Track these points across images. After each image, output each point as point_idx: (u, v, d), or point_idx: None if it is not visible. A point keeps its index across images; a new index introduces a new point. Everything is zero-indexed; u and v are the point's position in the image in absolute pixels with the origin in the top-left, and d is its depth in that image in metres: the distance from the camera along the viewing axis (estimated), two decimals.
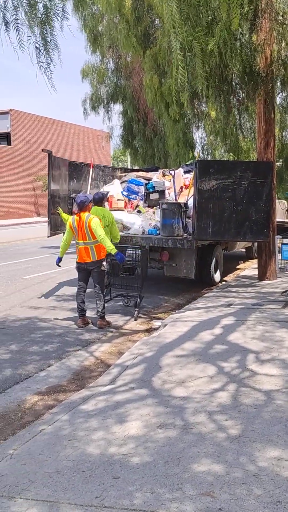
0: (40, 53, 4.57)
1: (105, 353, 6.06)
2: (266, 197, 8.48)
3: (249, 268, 11.89)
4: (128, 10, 10.44)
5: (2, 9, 4.36)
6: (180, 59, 5.25)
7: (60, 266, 7.69)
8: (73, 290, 9.39)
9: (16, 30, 4.45)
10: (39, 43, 4.53)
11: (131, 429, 3.85)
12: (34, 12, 4.34)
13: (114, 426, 3.94)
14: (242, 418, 3.89)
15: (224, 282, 10.19)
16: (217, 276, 10.11)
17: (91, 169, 10.39)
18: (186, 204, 9.01)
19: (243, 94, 8.73)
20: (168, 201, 9.65)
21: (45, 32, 4.48)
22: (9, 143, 39.33)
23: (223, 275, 10.71)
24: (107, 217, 7.97)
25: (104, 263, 7.24)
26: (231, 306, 7.47)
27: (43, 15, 4.40)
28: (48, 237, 9.60)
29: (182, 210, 8.88)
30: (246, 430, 3.68)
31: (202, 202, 8.42)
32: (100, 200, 8.14)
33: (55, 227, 9.38)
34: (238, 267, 12.42)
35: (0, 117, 39.04)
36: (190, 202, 8.99)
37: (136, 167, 16.09)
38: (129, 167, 18.94)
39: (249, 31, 7.69)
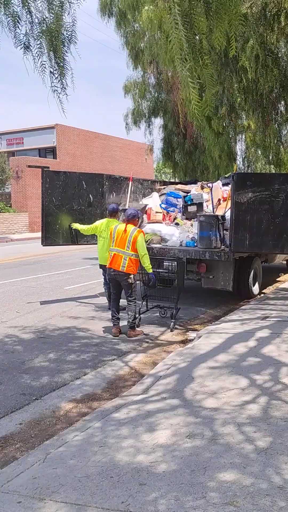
0: (54, 78, 4.78)
1: (139, 363, 6.16)
2: None
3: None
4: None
5: (24, 35, 4.60)
6: (192, 86, 5.36)
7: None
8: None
9: (31, 55, 4.70)
10: (53, 67, 4.74)
11: (160, 438, 3.92)
12: (47, 38, 4.56)
13: (144, 434, 4.02)
14: (271, 430, 3.90)
15: (262, 295, 10.12)
16: (255, 289, 10.05)
17: (130, 183, 10.59)
18: (223, 217, 9.05)
19: (282, 107, 8.73)
20: (206, 213, 9.70)
21: (57, 58, 4.69)
22: (55, 157, 40.37)
23: (262, 287, 10.63)
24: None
25: (132, 276, 7.35)
26: (267, 319, 7.43)
27: (55, 42, 4.60)
28: (43, 245, 10.04)
29: (220, 222, 8.93)
30: (274, 443, 3.69)
31: (239, 215, 8.43)
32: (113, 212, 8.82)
33: (51, 239, 9.81)
34: (278, 279, 12.29)
35: (46, 131, 40.14)
36: (228, 215, 9.02)
37: (176, 180, 16.24)
38: (171, 179, 19.14)
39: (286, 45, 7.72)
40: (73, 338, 7.19)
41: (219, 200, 9.99)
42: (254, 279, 10.04)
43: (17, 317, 8.49)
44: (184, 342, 7.10)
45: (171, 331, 7.60)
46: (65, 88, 4.85)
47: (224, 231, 9.02)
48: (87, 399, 5.08)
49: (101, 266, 8.92)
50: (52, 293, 10.70)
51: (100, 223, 8.90)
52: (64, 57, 4.73)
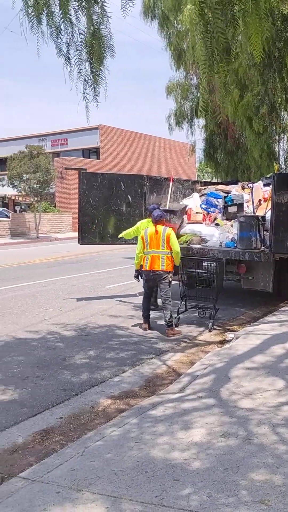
0: (88, 86, 4.93)
1: (177, 362, 6.25)
2: None
3: None
4: (221, 28, 10.60)
5: (66, 45, 4.77)
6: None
7: (139, 280, 8.13)
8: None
9: (69, 64, 4.86)
10: (88, 76, 4.89)
11: (195, 436, 4.00)
12: (86, 49, 4.71)
13: (179, 432, 4.11)
14: None
15: None
16: None
17: (171, 183, 10.67)
18: (263, 217, 9.00)
19: None
20: (246, 214, 9.67)
21: (93, 68, 4.84)
22: (98, 157, 40.91)
23: None
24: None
25: (170, 275, 7.61)
26: None
27: (91, 53, 4.74)
28: (80, 244, 10.24)
29: (260, 223, 8.88)
30: None
31: (280, 215, 8.36)
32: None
33: (88, 238, 10.03)
34: None
35: (90, 132, 40.73)
36: (268, 215, 8.97)
37: (218, 180, 16.19)
38: (214, 179, 19.12)
39: None
40: (112, 336, 7.35)
41: (259, 200, 9.94)
42: None
43: (59, 315, 8.73)
44: (222, 342, 7.14)
45: (209, 331, 7.65)
46: (97, 96, 5.02)
47: (265, 232, 8.97)
48: (125, 396, 5.21)
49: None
50: (93, 292, 10.92)
51: (141, 223, 9.03)
52: (100, 67, 4.89)
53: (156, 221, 7.79)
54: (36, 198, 31.39)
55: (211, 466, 3.49)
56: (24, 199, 35.71)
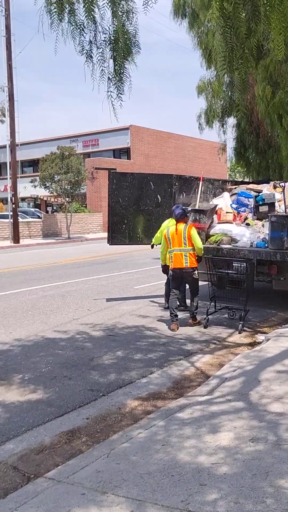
0: (112, 84, 4.88)
1: (206, 364, 6.16)
2: None
3: None
4: (241, 23, 10.44)
5: (88, 43, 4.74)
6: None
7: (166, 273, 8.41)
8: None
9: (92, 62, 4.82)
10: (111, 74, 4.83)
11: (223, 440, 3.92)
12: (110, 46, 4.66)
13: (206, 435, 4.03)
14: None
15: None
16: None
17: (200, 183, 10.57)
18: None
19: None
20: (278, 213, 9.49)
21: (117, 66, 4.78)
22: (129, 158, 41.03)
23: None
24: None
25: (196, 272, 7.84)
26: None
27: (116, 50, 4.68)
28: (109, 244, 10.24)
29: None
30: None
31: None
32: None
33: (117, 238, 9.98)
34: None
35: (121, 132, 40.90)
36: None
37: (249, 179, 15.98)
38: (245, 179, 18.90)
39: None
40: (141, 337, 7.31)
41: None
42: None
43: (88, 315, 8.75)
44: (252, 344, 7.01)
45: (239, 333, 7.53)
46: (121, 94, 4.97)
47: None
48: (152, 397, 5.16)
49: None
50: (122, 292, 10.92)
51: (163, 225, 9.01)
52: (125, 65, 4.84)
53: (177, 220, 7.99)
54: (67, 199, 31.68)
55: (239, 472, 3.41)
56: (56, 200, 36.10)
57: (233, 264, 8.20)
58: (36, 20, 4.57)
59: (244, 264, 7.98)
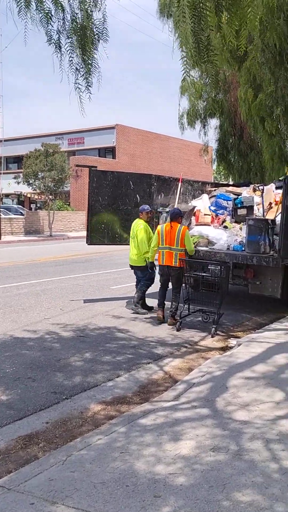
0: (80, 75, 4.70)
1: (175, 368, 6.04)
2: None
3: None
4: (223, 24, 10.34)
5: (56, 32, 4.57)
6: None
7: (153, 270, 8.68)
8: (156, 302, 9.52)
9: (60, 52, 4.66)
10: (80, 64, 4.67)
11: (183, 449, 3.79)
12: (77, 35, 4.49)
13: (167, 443, 3.90)
14: None
15: None
16: None
17: (179, 184, 10.45)
18: (273, 221, 8.73)
19: None
20: (255, 217, 9.41)
21: (85, 55, 4.62)
22: (114, 157, 40.85)
23: None
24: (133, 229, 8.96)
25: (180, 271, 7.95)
26: None
27: (83, 39, 4.53)
28: (88, 244, 10.06)
29: (269, 226, 8.61)
30: None
31: None
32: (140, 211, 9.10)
33: (96, 238, 9.82)
34: None
35: (107, 131, 40.74)
36: (278, 219, 8.69)
37: (230, 182, 15.92)
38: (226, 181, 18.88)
39: None
40: (111, 339, 7.16)
41: (270, 203, 9.66)
42: None
43: (60, 315, 8.57)
44: (224, 349, 6.90)
45: (212, 337, 7.42)
46: (89, 87, 4.80)
47: (274, 236, 8.70)
48: (116, 402, 5.02)
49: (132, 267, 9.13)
50: (98, 292, 10.76)
51: (133, 225, 9.09)
52: (93, 55, 4.68)
53: (172, 219, 8.18)
54: (50, 197, 31.38)
55: (196, 483, 3.28)
56: (39, 197, 35.75)
57: (209, 267, 8.09)
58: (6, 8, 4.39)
59: (219, 267, 7.88)
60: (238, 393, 4.90)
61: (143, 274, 8.86)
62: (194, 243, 9.54)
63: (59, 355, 6.34)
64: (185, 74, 5.18)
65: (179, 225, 8.17)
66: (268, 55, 7.34)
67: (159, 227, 8.39)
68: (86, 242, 10.08)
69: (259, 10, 5.68)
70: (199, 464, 3.53)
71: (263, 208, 9.43)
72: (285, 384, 5.04)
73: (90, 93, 4.80)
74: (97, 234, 9.89)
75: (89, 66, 4.66)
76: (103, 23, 4.70)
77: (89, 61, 4.65)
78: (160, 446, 3.86)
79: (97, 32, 4.64)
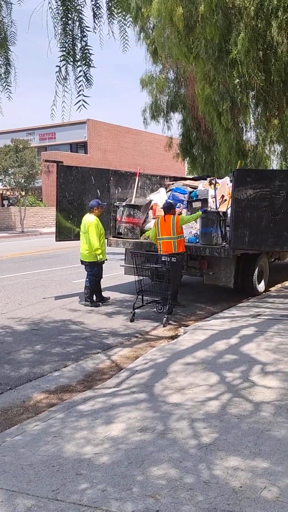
0: None
1: (122, 357, 6.23)
2: None
3: None
4: (179, 20, 10.54)
5: None
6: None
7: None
8: (115, 295, 9.72)
9: None
10: None
11: (113, 431, 3.99)
12: None
13: (99, 427, 4.10)
14: (220, 427, 3.91)
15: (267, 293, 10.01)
16: (261, 286, 9.95)
17: (137, 178, 10.63)
18: (225, 213, 9.00)
19: (285, 103, 8.56)
20: (209, 209, 9.65)
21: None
22: (86, 152, 40.77)
23: (271, 285, 10.53)
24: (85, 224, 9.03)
25: (174, 258, 8.01)
26: (258, 317, 7.38)
27: None
28: (56, 241, 9.99)
29: (221, 218, 8.89)
30: (218, 439, 3.70)
31: (239, 211, 8.34)
32: (91, 207, 9.20)
33: (63, 234, 9.80)
34: None
35: (78, 126, 40.52)
36: (229, 211, 8.96)
37: (195, 175, 16.12)
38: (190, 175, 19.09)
39: (287, 40, 7.56)
40: (64, 331, 7.33)
41: (222, 196, 9.92)
42: (260, 277, 9.94)
43: (18, 309, 8.70)
44: (174, 337, 7.11)
45: (164, 326, 7.64)
46: (9, 86, 4.92)
47: (227, 228, 8.97)
48: (60, 390, 5.19)
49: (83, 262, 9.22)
50: (59, 287, 10.89)
51: (83, 220, 9.18)
52: (8, 57, 4.82)
53: (165, 213, 8.69)
54: (22, 193, 31.26)
55: (117, 460, 3.49)
56: (12, 193, 35.53)
57: (162, 258, 8.30)
58: None
59: (173, 258, 8.07)
60: (176, 378, 5.12)
61: (92, 269, 8.98)
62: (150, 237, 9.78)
63: (10, 348, 6.48)
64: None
65: (172, 216, 8.57)
66: (210, 51, 7.55)
67: (155, 220, 8.97)
68: (55, 239, 9.99)
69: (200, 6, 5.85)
70: (125, 444, 3.74)
71: (215, 200, 9.68)
72: (220, 368, 5.28)
73: (10, 92, 4.93)
74: (64, 230, 9.86)
75: (7, 66, 4.79)
76: (10, 26, 4.82)
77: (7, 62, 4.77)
78: (92, 429, 4.05)
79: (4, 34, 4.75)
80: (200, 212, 8.92)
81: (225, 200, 9.96)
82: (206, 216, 8.85)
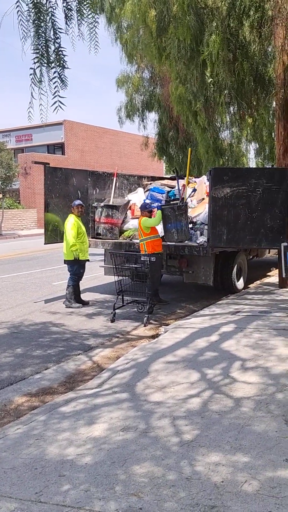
0: None
1: (104, 358, 6.24)
2: (282, 204, 8.38)
3: (277, 275, 11.68)
4: (152, 21, 10.59)
5: None
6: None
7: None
8: (95, 296, 9.72)
9: None
10: None
11: (96, 431, 4.00)
12: None
13: (82, 427, 4.11)
14: (202, 424, 3.96)
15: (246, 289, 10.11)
16: (240, 283, 10.04)
17: (114, 178, 10.64)
18: (183, 206, 8.79)
19: (255, 102, 8.66)
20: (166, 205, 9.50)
21: None
22: (63, 153, 40.55)
23: (250, 282, 10.63)
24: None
25: (153, 258, 8.07)
26: (238, 314, 7.45)
27: None
28: (45, 244, 9.83)
29: (180, 212, 8.71)
30: (200, 436, 3.75)
31: (217, 210, 8.42)
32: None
33: (52, 236, 9.70)
34: (268, 274, 12.23)
35: (55, 128, 40.25)
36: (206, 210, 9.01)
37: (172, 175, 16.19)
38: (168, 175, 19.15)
39: (258, 39, 7.66)
40: (45, 333, 7.30)
41: (194, 191, 9.98)
42: (239, 274, 10.03)
43: None
44: (155, 337, 7.15)
45: (145, 326, 7.66)
46: None
47: (204, 226, 9.04)
48: (42, 393, 5.18)
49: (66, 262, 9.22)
50: (39, 289, 10.84)
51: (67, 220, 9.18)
52: None
53: (141, 213, 8.74)
54: None
55: (100, 461, 3.50)
56: None
57: (141, 258, 8.32)
58: None
59: (153, 258, 8.09)
60: (157, 377, 5.15)
61: (72, 268, 8.99)
62: (129, 237, 9.80)
63: None
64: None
65: (143, 218, 8.58)
66: (183, 51, 7.60)
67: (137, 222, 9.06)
68: (44, 242, 9.84)
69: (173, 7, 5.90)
70: (107, 444, 3.75)
71: (180, 196, 9.65)
72: (201, 366, 5.33)
73: None
74: (52, 233, 9.73)
75: None
76: None
77: None
78: (74, 430, 4.06)
79: None
80: (159, 211, 8.79)
81: (202, 199, 10.02)
82: (163, 211, 8.78)
